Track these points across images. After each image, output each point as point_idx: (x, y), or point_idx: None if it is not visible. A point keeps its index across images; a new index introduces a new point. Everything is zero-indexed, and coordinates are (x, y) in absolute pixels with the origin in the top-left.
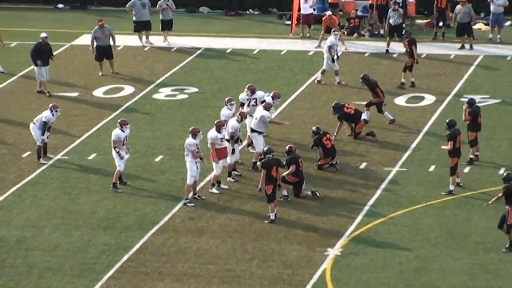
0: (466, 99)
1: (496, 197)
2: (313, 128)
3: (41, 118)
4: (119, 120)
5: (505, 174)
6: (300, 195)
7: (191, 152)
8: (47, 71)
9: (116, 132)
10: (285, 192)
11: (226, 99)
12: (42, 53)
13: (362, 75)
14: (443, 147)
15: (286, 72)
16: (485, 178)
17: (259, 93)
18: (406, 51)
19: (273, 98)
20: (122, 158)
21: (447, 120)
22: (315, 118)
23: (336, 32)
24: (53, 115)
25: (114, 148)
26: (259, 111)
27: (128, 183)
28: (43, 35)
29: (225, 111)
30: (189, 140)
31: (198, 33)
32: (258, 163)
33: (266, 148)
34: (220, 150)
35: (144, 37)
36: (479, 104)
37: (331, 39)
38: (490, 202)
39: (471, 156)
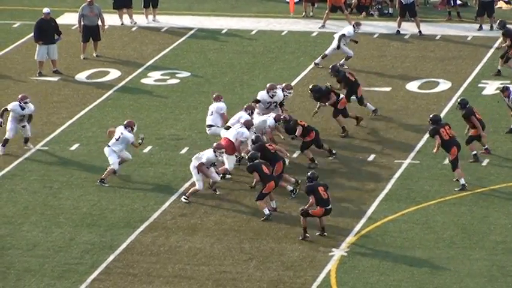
0: (458, 100)
1: None
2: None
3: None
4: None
5: None
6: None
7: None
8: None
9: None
10: (289, 188)
11: (246, 106)
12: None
13: (331, 66)
14: (434, 150)
15: (288, 55)
16: (505, 172)
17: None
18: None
19: (283, 90)
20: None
21: (431, 116)
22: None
23: (360, 27)
24: (21, 107)
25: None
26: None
27: (117, 174)
28: (45, 10)
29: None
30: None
31: (191, 12)
32: (246, 168)
33: (248, 155)
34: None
35: (126, 16)
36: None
37: (349, 30)
38: None
39: (486, 146)
